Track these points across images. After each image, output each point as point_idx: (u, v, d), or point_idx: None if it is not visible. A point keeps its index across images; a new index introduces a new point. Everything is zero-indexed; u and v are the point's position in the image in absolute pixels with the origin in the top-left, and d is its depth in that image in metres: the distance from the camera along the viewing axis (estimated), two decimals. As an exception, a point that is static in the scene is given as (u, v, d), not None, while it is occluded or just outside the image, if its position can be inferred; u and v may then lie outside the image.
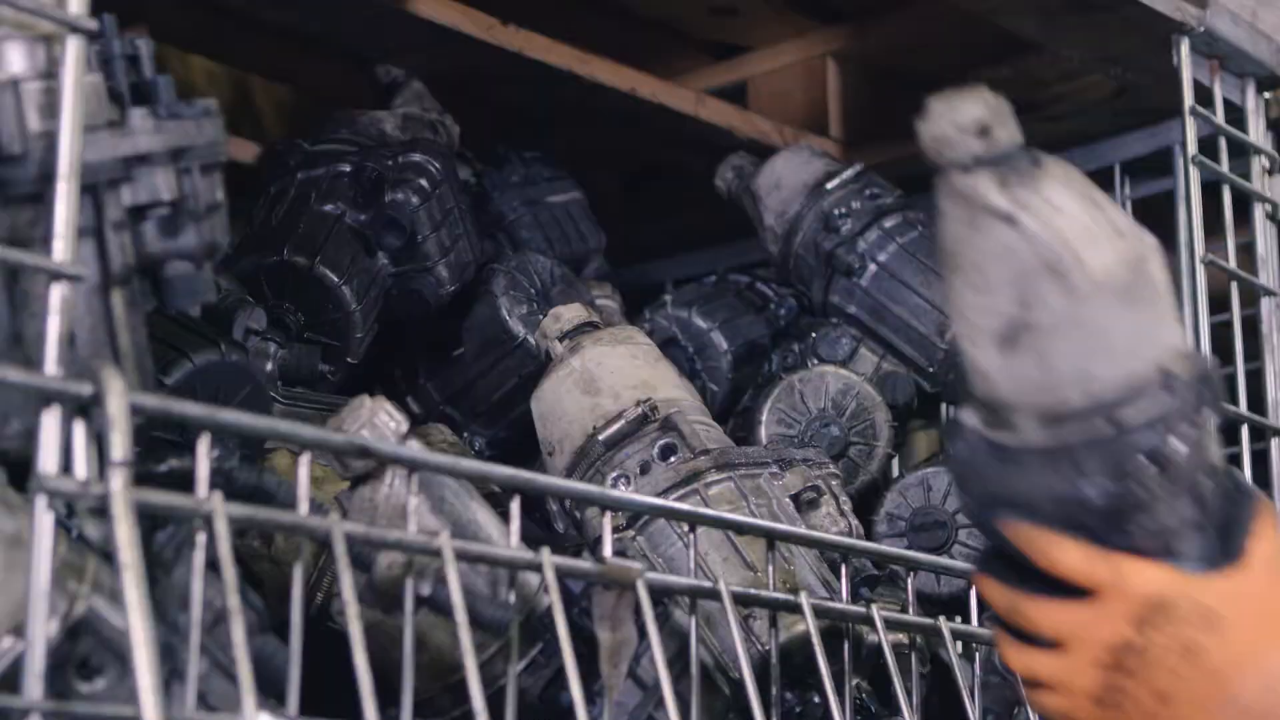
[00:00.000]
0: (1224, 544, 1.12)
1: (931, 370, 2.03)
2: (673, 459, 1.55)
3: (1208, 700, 1.09)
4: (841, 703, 1.34)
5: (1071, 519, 1.09)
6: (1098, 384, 1.06)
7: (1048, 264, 1.03)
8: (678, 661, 1.36)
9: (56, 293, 0.97)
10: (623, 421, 1.57)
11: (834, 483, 1.59)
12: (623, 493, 1.50)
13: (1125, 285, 1.05)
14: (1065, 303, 1.03)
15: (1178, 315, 1.11)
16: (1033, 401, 1.06)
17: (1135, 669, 1.11)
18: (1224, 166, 1.95)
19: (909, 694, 1.40)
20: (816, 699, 1.46)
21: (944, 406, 2.13)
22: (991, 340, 1.05)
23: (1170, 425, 1.07)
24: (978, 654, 1.55)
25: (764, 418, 1.94)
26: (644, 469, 1.55)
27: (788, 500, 1.56)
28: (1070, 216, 1.04)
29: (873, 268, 2.04)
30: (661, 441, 1.56)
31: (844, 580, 1.42)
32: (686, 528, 1.39)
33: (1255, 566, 1.12)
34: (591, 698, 1.20)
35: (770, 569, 1.36)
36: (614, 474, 1.54)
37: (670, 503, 1.47)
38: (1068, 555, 1.11)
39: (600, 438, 1.56)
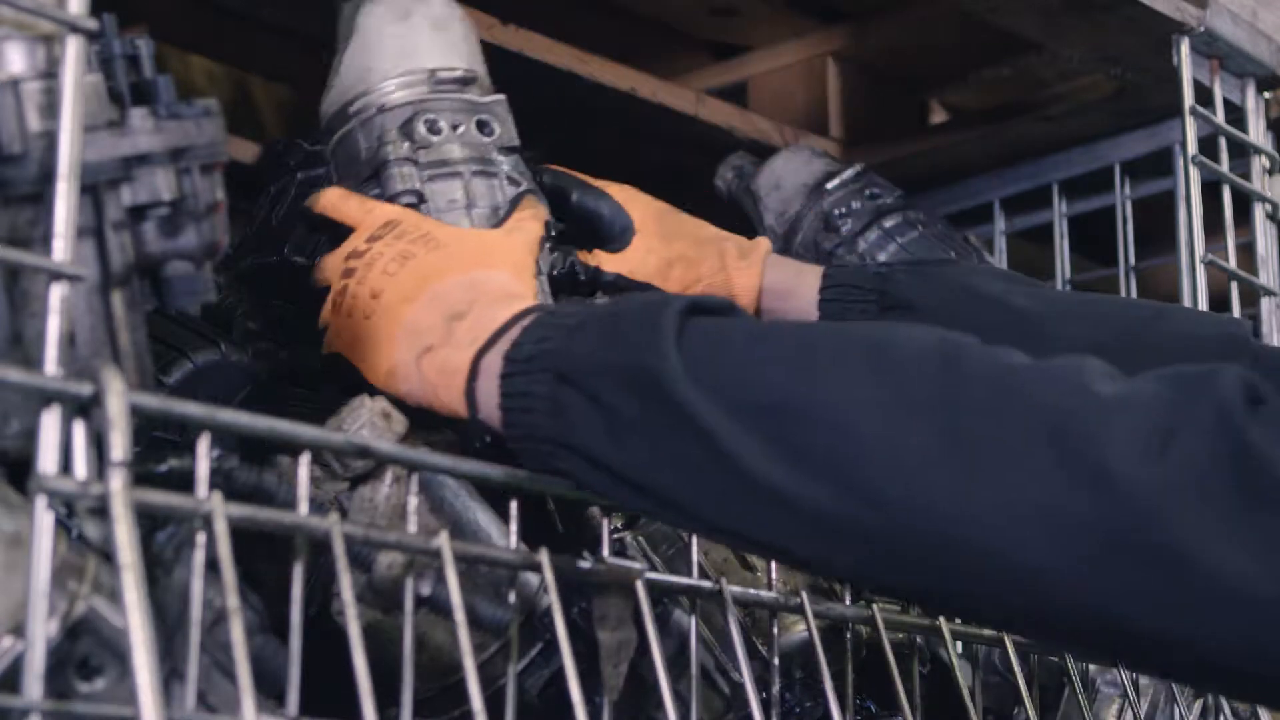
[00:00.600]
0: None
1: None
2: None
3: (411, 292, 1.25)
4: (842, 703, 1.34)
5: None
6: (372, 76, 1.43)
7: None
8: (677, 662, 1.36)
9: (56, 293, 0.97)
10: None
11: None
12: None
13: (403, 11, 1.45)
14: (359, 22, 1.45)
15: (466, 45, 1.48)
16: (336, 106, 1.46)
17: (358, 271, 1.30)
18: (1224, 166, 1.96)
19: (909, 694, 1.40)
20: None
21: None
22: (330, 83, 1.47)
23: (428, 110, 1.42)
24: (978, 654, 1.55)
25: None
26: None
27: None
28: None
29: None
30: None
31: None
32: (686, 528, 1.39)
33: (502, 227, 1.37)
34: (591, 698, 1.20)
35: (772, 569, 1.36)
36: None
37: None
38: (328, 196, 1.39)
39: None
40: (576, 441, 1.12)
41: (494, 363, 1.16)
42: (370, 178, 1.43)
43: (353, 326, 1.29)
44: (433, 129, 1.43)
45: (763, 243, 1.66)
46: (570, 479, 1.15)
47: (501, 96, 1.49)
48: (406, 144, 1.42)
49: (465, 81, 1.47)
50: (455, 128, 1.44)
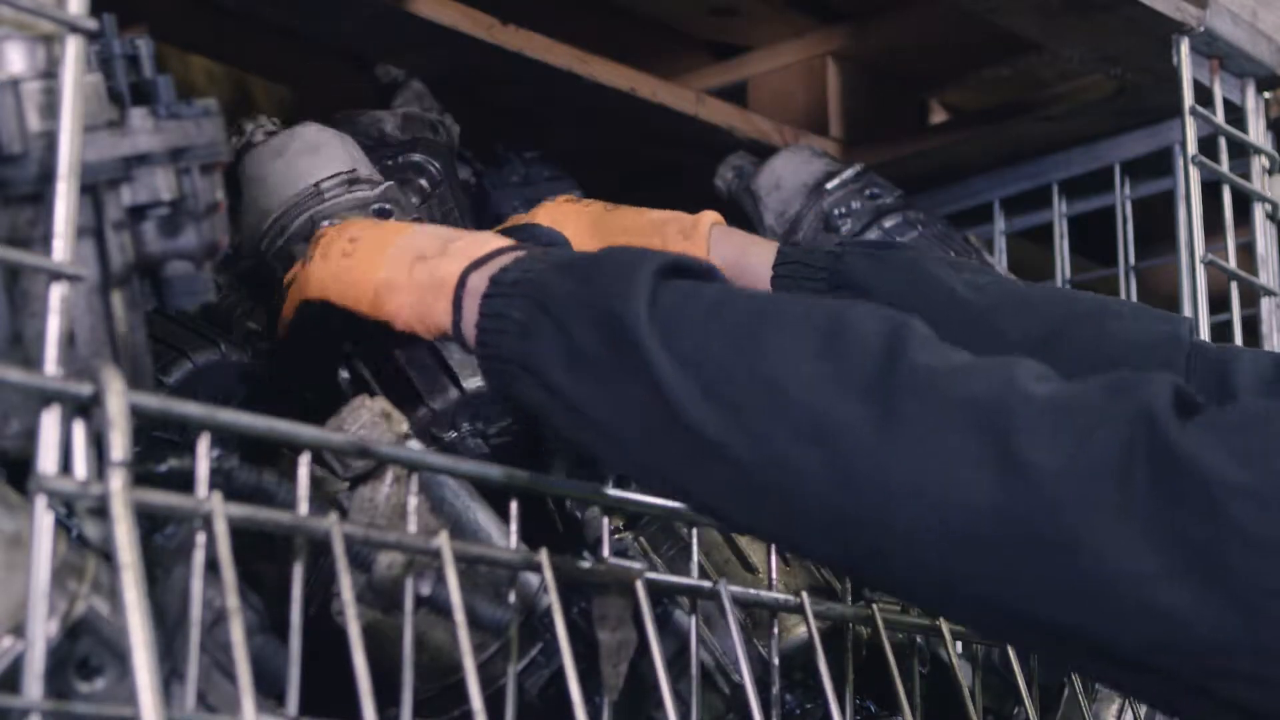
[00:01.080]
0: None
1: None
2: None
3: (395, 232, 1.34)
4: (841, 704, 1.34)
5: None
6: (269, 214, 1.59)
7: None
8: (677, 662, 1.36)
9: (56, 293, 0.97)
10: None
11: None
12: (622, 493, 1.50)
13: (278, 149, 1.61)
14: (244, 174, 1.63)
15: (346, 154, 1.63)
16: (250, 256, 1.60)
17: (333, 227, 1.38)
18: (1224, 166, 1.95)
19: (909, 694, 1.40)
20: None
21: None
22: None
23: (324, 215, 1.55)
24: (978, 654, 1.55)
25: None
26: (643, 474, 1.55)
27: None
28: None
29: (873, 268, 2.03)
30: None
31: (847, 579, 1.42)
32: (687, 529, 1.39)
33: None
34: (591, 698, 1.20)
35: (771, 570, 1.36)
36: (612, 479, 1.54)
37: (671, 503, 1.47)
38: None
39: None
40: (536, 365, 1.16)
41: (480, 282, 1.22)
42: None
43: (329, 266, 1.35)
44: None
45: (706, 218, 1.65)
46: (524, 404, 1.19)
47: (390, 183, 1.62)
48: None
49: (351, 182, 1.57)
50: None
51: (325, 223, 1.51)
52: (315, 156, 1.61)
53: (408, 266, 1.29)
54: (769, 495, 1.08)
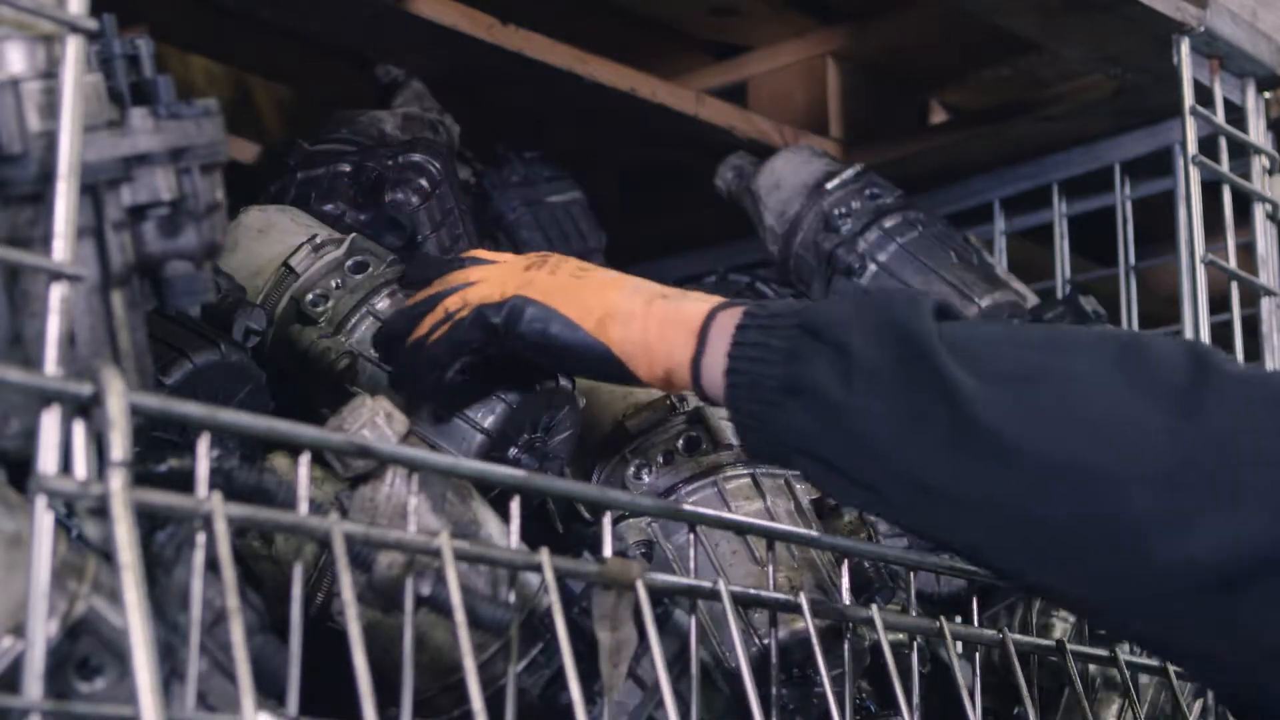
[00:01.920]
0: None
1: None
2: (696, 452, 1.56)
3: (620, 275, 1.37)
4: (841, 703, 1.34)
5: None
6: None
7: None
8: (678, 661, 1.36)
9: (56, 293, 0.97)
10: (650, 411, 1.58)
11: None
12: (621, 494, 1.50)
13: (230, 245, 1.58)
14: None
15: (296, 224, 1.62)
16: None
17: (558, 257, 1.40)
18: (1224, 166, 1.95)
19: (909, 694, 1.40)
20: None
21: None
22: None
23: (304, 292, 1.55)
24: (977, 654, 1.55)
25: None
26: (667, 459, 1.56)
27: (808, 502, 1.56)
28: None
29: (873, 268, 2.04)
30: (688, 434, 1.57)
31: (844, 580, 1.42)
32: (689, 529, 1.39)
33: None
34: (592, 697, 1.20)
35: (771, 568, 1.36)
36: (637, 461, 1.56)
37: (671, 503, 1.47)
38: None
39: (627, 426, 1.57)
40: (810, 385, 1.19)
41: (731, 316, 1.26)
42: (316, 377, 1.51)
43: (559, 279, 1.36)
44: (318, 302, 1.55)
45: None
46: (781, 436, 1.21)
47: (354, 235, 1.61)
48: (313, 329, 1.54)
49: (316, 248, 1.58)
50: (337, 286, 1.56)
51: (309, 296, 1.54)
52: (268, 236, 1.61)
53: (646, 300, 1.32)
54: (1059, 497, 1.10)
